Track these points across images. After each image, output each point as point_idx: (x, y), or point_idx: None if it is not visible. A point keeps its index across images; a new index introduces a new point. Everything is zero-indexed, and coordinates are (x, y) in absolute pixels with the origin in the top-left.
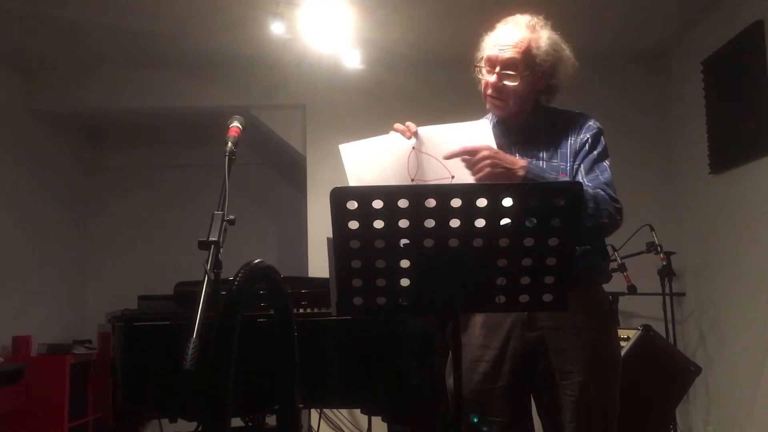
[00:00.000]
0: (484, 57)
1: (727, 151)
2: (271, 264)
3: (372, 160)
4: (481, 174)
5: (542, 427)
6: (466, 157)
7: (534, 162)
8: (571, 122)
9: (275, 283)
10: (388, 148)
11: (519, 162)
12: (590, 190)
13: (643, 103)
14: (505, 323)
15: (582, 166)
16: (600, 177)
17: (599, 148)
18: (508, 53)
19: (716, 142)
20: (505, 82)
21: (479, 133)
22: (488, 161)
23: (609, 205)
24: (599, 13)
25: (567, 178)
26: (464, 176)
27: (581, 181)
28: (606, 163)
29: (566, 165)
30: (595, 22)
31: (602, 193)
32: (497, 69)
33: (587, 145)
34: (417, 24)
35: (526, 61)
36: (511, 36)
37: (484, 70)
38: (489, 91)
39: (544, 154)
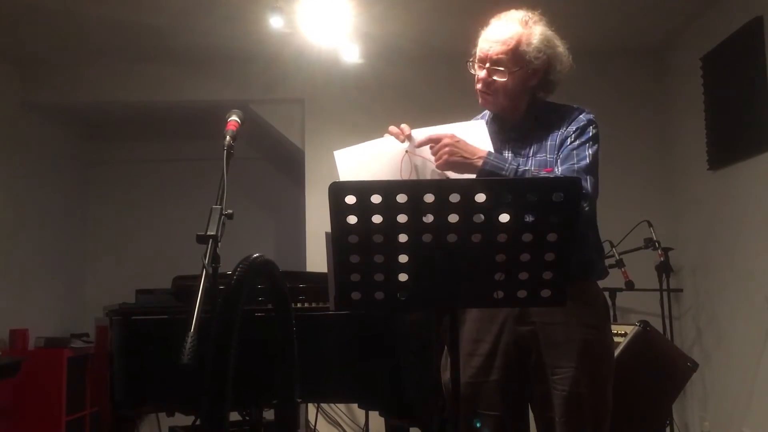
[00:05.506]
0: (475, 53)
1: (726, 148)
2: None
3: (366, 165)
4: (440, 161)
5: (534, 421)
6: (432, 145)
7: (497, 155)
8: (564, 116)
9: (274, 278)
10: (381, 152)
11: (478, 152)
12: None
13: (641, 99)
14: (497, 317)
15: (560, 155)
16: (575, 165)
17: (583, 138)
18: (497, 49)
19: (715, 138)
20: (494, 78)
21: (474, 133)
22: (447, 149)
23: None
24: (598, 9)
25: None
26: (460, 175)
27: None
28: (589, 150)
29: (553, 157)
30: (594, 18)
31: None
32: (486, 65)
33: (571, 136)
34: (416, 18)
35: (515, 58)
36: (501, 32)
37: (475, 66)
38: (479, 86)
39: (533, 150)
